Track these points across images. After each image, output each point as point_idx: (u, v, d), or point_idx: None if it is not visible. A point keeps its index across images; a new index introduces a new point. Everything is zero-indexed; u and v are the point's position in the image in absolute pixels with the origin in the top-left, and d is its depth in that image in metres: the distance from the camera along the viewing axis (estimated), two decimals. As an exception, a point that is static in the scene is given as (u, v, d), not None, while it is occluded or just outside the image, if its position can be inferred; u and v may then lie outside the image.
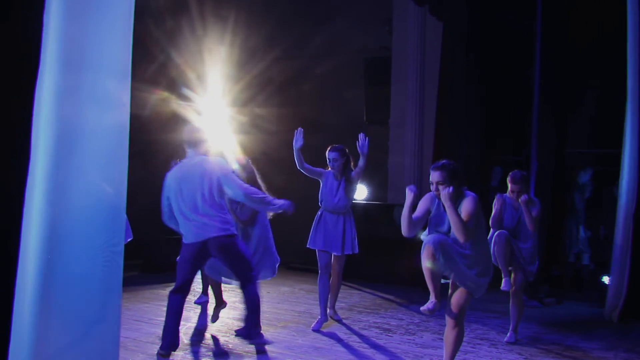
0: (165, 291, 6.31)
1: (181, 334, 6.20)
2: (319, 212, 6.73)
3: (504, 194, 6.40)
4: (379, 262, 9.46)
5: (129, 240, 7.04)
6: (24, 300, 1.82)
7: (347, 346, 6.03)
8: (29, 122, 1.81)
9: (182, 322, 6.67)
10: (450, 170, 4.62)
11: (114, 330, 2.20)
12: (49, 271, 1.85)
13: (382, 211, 10.07)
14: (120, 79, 2.21)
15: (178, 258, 5.43)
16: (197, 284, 8.65)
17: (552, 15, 8.99)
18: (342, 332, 6.50)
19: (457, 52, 9.30)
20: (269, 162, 10.91)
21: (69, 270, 1.97)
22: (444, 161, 4.72)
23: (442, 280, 4.77)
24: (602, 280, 8.44)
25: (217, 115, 11.29)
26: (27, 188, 1.80)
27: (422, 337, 6.43)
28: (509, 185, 6.33)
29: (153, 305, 7.53)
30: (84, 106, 2.02)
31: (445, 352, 4.82)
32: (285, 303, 7.83)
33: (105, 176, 2.12)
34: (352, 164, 6.68)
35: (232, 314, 7.01)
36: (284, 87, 12.32)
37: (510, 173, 6.41)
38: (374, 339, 6.25)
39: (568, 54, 9.07)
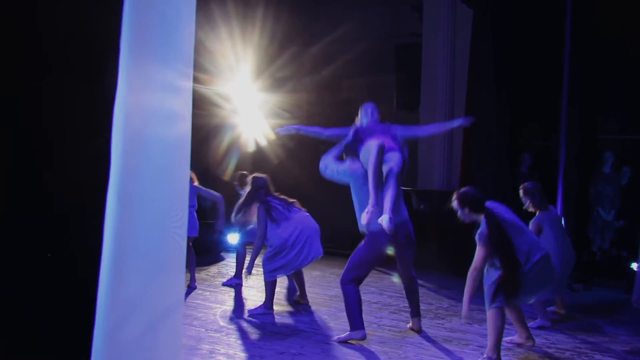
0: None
1: (217, 317, 6.44)
2: None
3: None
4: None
5: (194, 236, 7.45)
6: (100, 291, 2.01)
7: (377, 328, 6.22)
8: (109, 131, 1.99)
9: (217, 305, 6.94)
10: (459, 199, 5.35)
11: (178, 319, 2.38)
12: (120, 265, 2.03)
13: (412, 197, 10.19)
14: (183, 85, 2.37)
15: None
16: (228, 268, 8.91)
17: (583, 2, 8.99)
18: (373, 316, 6.67)
19: (486, 38, 9.36)
20: (300, 147, 11.11)
21: (137, 263, 2.16)
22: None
23: None
24: (631, 267, 8.49)
25: (247, 101, 11.46)
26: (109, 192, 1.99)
27: (450, 321, 6.59)
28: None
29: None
30: (150, 117, 2.20)
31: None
32: (316, 287, 8.02)
33: (169, 177, 2.30)
34: None
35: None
36: (314, 72, 12.46)
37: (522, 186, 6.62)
38: (404, 323, 6.42)
39: (598, 39, 9.06)
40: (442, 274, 9.18)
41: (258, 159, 11.74)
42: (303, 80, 12.44)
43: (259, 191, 6.80)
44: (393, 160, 5.70)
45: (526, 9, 9.45)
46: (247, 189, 6.91)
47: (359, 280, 5.84)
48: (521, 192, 6.66)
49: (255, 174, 7.02)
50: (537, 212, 6.56)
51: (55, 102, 1.95)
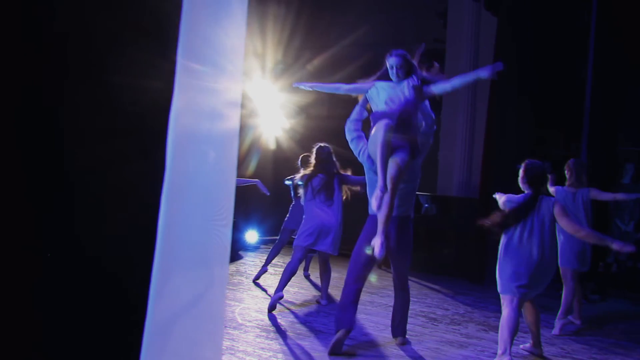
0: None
1: (235, 314, 6.53)
2: None
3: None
4: (426, 251, 9.67)
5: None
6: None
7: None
8: (166, 131, 2.08)
9: (236, 303, 7.03)
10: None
11: (220, 300, 2.47)
12: (166, 260, 2.12)
13: (432, 204, 10.26)
14: (232, 85, 2.45)
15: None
16: (246, 266, 9.00)
17: (607, 12, 9.01)
18: (388, 319, 6.71)
19: (510, 47, 9.38)
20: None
21: (182, 259, 2.25)
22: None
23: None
24: (648, 279, 8.51)
25: (269, 101, 11.56)
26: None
27: (467, 327, 6.64)
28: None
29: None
30: (199, 116, 2.28)
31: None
32: (333, 289, 8.08)
33: (216, 176, 2.39)
34: None
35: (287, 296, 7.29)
36: (336, 74, 12.51)
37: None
38: (420, 327, 6.48)
39: (621, 49, 9.07)
40: (459, 280, 9.24)
41: (279, 159, 11.83)
42: (324, 82, 12.49)
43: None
44: (397, 158, 5.03)
45: (550, 19, 9.49)
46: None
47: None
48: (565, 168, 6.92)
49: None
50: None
51: (116, 100, 2.03)
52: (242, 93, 2.57)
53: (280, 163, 11.58)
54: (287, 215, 8.39)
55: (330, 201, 6.86)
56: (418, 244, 8.87)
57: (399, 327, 5.94)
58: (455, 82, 5.38)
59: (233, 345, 5.51)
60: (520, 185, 5.42)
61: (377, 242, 4.92)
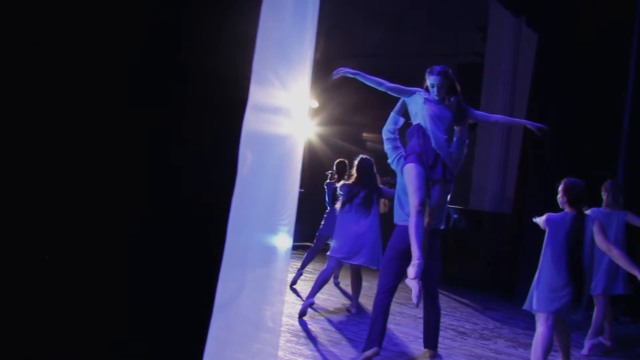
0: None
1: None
2: None
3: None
4: (456, 265, 9.68)
5: None
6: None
7: (422, 344, 6.31)
8: (240, 132, 2.17)
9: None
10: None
11: (278, 315, 2.57)
12: (229, 255, 2.23)
13: (462, 215, 10.28)
14: (300, 86, 2.54)
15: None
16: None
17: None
18: (418, 330, 6.76)
19: (550, 64, 9.38)
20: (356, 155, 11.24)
21: (244, 255, 2.35)
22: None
23: None
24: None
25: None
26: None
27: (496, 343, 6.65)
28: None
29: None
30: (266, 116, 2.37)
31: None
32: (363, 298, 8.14)
33: (281, 176, 2.49)
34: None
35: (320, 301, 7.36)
36: (371, 87, 12.54)
37: None
38: (449, 340, 6.51)
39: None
40: (489, 295, 9.24)
41: (313, 164, 11.91)
42: (359, 93, 12.55)
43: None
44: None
45: (591, 36, 9.45)
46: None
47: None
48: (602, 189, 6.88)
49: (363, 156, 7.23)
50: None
51: (207, 104, 2.11)
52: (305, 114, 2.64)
53: (313, 169, 11.64)
54: (323, 222, 8.43)
55: (368, 213, 6.92)
56: (448, 257, 8.96)
57: (431, 340, 5.84)
58: (499, 118, 5.97)
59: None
60: (560, 203, 5.39)
61: (413, 268, 4.99)
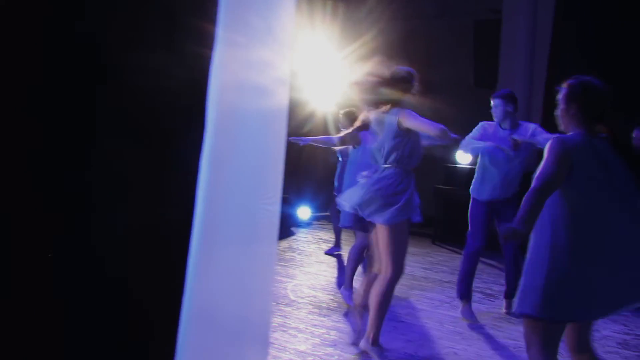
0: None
1: (288, 291, 6.50)
2: None
3: None
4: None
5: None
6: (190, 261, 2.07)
7: (450, 308, 6.16)
8: (205, 107, 2.02)
9: (288, 280, 7.00)
10: None
11: (268, 277, 2.42)
12: (209, 235, 2.07)
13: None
14: (280, 62, 2.37)
15: None
16: (299, 242, 8.97)
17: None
18: (444, 295, 6.62)
19: (570, 18, 9.07)
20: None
21: (226, 234, 2.20)
22: None
23: None
24: None
25: (323, 77, 11.43)
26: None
27: (524, 304, 6.46)
28: None
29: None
30: (244, 90, 2.21)
31: None
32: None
33: (262, 152, 2.32)
34: None
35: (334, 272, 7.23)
36: (392, 49, 12.31)
37: None
38: (477, 303, 6.34)
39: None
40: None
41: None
42: (379, 55, 12.33)
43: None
44: None
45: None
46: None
47: None
48: None
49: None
50: None
51: (155, 79, 1.97)
52: (290, 69, 2.46)
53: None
54: None
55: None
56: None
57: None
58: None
59: (285, 322, 5.47)
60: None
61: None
